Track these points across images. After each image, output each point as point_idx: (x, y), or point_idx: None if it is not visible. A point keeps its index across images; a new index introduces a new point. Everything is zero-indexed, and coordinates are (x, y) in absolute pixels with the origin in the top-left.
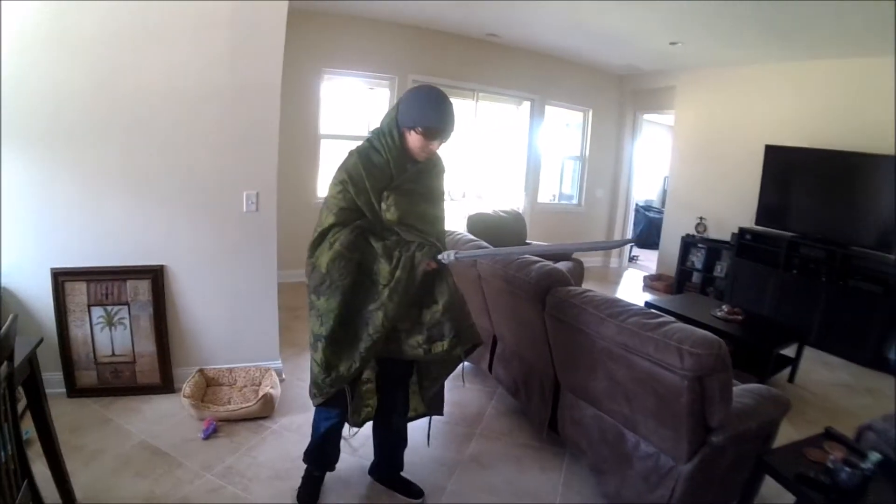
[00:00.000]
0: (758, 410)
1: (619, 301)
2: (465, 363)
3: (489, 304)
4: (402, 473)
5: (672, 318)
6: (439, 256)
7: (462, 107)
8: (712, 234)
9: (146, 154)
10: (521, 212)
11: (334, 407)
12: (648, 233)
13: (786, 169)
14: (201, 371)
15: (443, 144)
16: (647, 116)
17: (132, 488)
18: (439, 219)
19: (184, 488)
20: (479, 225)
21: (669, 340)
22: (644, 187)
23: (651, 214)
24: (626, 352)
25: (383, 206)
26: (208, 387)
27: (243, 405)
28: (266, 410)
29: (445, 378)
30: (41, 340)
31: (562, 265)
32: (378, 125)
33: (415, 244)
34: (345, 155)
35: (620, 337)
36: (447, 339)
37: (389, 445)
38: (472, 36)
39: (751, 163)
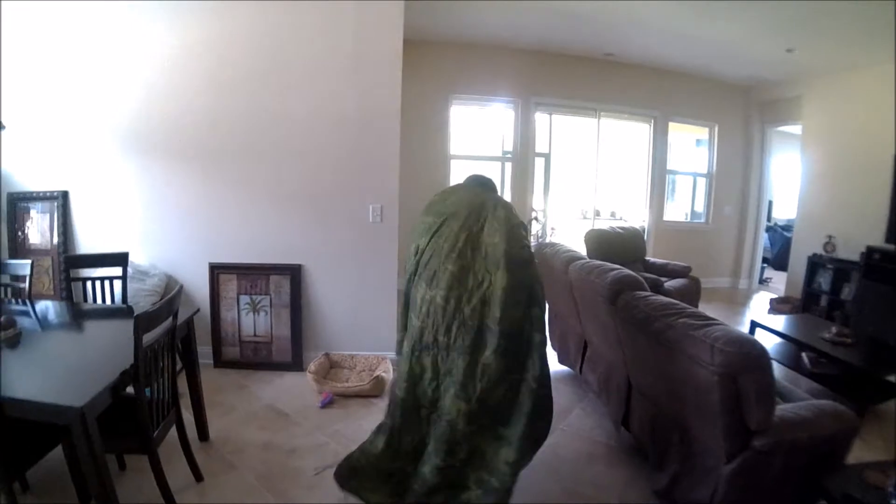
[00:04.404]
0: (813, 422)
1: (676, 304)
2: (563, 367)
3: (579, 308)
4: None
5: (722, 322)
6: None
7: (585, 126)
8: (841, 253)
9: (288, 171)
10: (640, 229)
11: None
12: (785, 253)
13: None
14: (327, 355)
15: None
16: (784, 129)
17: (254, 435)
18: None
19: (296, 441)
20: (596, 242)
21: (706, 338)
22: (784, 205)
23: (789, 234)
24: (673, 350)
25: None
26: (331, 368)
27: (358, 384)
28: (377, 390)
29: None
30: (198, 310)
31: (676, 282)
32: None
33: None
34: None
35: (669, 334)
36: None
37: None
38: (591, 56)
39: (881, 174)
